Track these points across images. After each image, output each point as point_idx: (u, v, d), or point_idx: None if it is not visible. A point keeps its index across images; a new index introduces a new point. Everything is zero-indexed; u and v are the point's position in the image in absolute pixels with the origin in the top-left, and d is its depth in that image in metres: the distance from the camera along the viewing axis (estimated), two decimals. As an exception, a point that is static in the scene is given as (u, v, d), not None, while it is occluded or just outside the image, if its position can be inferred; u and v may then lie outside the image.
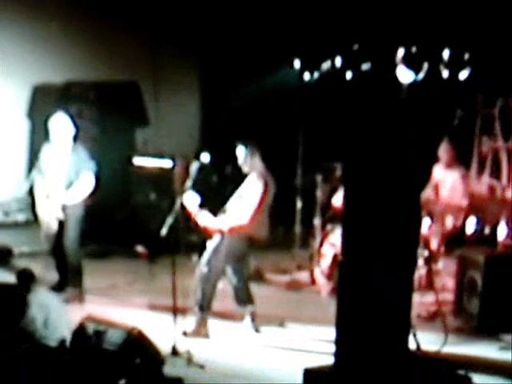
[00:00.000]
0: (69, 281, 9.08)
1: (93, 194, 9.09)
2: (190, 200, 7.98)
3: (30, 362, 6.48)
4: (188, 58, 13.21)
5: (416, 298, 7.52)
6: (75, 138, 9.10)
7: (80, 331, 6.89)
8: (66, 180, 8.94)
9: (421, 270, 8.92)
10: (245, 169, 8.16)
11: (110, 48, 12.39)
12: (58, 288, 9.05)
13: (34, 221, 10.38)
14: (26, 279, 7.33)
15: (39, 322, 6.95)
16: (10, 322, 7.00)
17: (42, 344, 6.85)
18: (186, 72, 13.30)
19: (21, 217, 11.84)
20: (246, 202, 7.94)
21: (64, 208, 8.94)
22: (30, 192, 9.38)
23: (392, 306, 6.43)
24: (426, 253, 9.08)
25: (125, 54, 12.53)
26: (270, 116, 12.08)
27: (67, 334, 6.93)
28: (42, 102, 12.06)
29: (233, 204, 8.09)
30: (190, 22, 12.67)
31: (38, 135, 11.15)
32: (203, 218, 8.02)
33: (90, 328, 6.85)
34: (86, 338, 6.80)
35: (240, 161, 8.17)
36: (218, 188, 10.57)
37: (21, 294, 7.13)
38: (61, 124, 9.00)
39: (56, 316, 7.07)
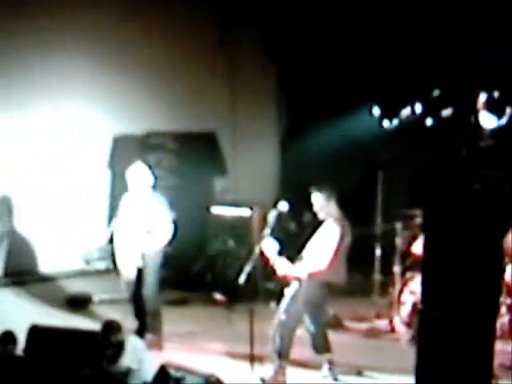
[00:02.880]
0: (148, 328, 9.12)
1: (171, 242, 9.16)
2: (269, 247, 7.97)
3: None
4: (266, 106, 13.32)
5: (499, 346, 7.34)
6: (154, 187, 9.20)
7: (160, 378, 6.93)
8: (145, 228, 9.00)
9: (504, 318, 8.72)
10: (321, 215, 8.13)
11: (190, 97, 12.58)
12: (137, 334, 9.09)
13: (113, 269, 10.48)
14: (113, 330, 7.41)
15: (134, 369, 7.03)
16: (97, 367, 7.09)
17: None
18: (264, 120, 13.41)
19: (101, 265, 12.06)
20: (322, 248, 7.90)
21: (143, 256, 9.02)
22: (111, 241, 9.49)
23: (474, 355, 6.29)
24: (509, 300, 8.88)
25: (204, 104, 12.71)
26: (349, 162, 12.06)
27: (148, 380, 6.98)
28: (123, 153, 12.31)
29: (310, 250, 8.07)
30: (268, 70, 12.81)
31: (119, 185, 11.35)
32: (281, 266, 8.00)
33: (169, 375, 6.91)
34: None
35: (315, 207, 8.16)
36: (296, 235, 10.55)
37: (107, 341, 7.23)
38: (139, 173, 9.11)
39: (146, 363, 7.14)
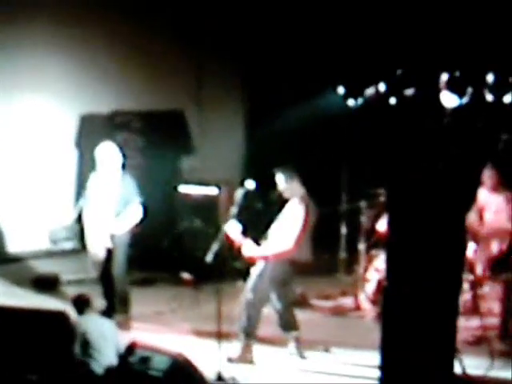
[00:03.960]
0: (116, 308, 9.14)
1: (140, 222, 9.19)
2: (233, 229, 8.04)
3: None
4: (233, 85, 13.32)
5: (461, 322, 7.48)
6: (123, 167, 9.21)
7: (126, 357, 6.98)
8: (114, 209, 9.03)
9: (466, 295, 8.85)
10: (285, 194, 8.21)
11: (155, 77, 12.55)
12: (105, 315, 9.11)
13: (81, 249, 10.50)
14: (82, 304, 7.45)
15: (92, 348, 7.05)
16: (60, 349, 7.10)
17: (90, 371, 6.95)
18: (231, 99, 13.41)
19: (68, 245, 12.00)
20: (287, 228, 7.98)
21: (112, 236, 9.04)
22: (78, 220, 9.49)
23: (437, 331, 6.41)
24: (471, 277, 9.02)
25: (170, 83, 12.67)
26: (314, 141, 12.13)
27: (114, 360, 7.02)
28: (90, 132, 12.24)
29: (275, 230, 8.14)
30: (235, 49, 12.81)
31: (86, 164, 11.36)
32: (246, 247, 8.08)
33: (136, 354, 6.96)
34: (132, 364, 6.89)
35: (280, 187, 8.23)
36: (263, 213, 10.60)
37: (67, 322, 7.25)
38: (108, 153, 9.10)
39: (107, 342, 7.17)
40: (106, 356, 7.04)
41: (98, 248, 9.12)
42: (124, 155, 9.26)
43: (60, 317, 7.60)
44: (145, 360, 6.83)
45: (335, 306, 10.06)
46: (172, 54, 12.68)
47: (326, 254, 11.42)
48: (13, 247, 11.91)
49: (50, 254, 11.90)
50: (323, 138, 11.98)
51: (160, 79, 12.60)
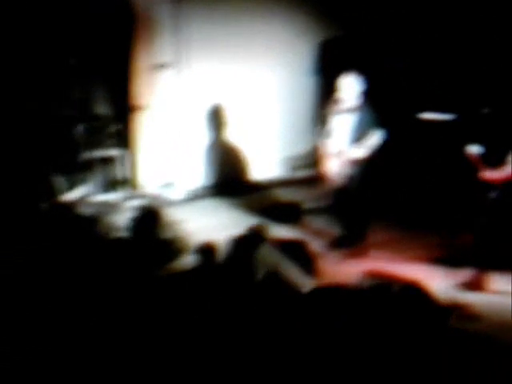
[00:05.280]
0: (352, 236, 9.06)
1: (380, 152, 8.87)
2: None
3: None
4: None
5: None
6: (364, 95, 8.88)
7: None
8: (353, 137, 8.84)
9: None
10: None
11: None
12: (340, 243, 9.10)
13: (318, 176, 10.38)
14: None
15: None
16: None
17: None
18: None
19: (306, 172, 11.98)
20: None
21: (352, 164, 8.85)
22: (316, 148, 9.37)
23: None
24: None
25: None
26: None
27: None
28: (327, 57, 12.17)
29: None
30: None
31: (323, 91, 11.24)
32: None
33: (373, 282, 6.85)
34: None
35: None
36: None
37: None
38: (348, 81, 8.85)
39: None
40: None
41: (336, 176, 8.96)
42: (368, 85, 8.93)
43: (300, 245, 7.85)
44: (380, 289, 6.68)
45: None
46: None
47: None
48: (254, 176, 12.14)
49: (288, 183, 12.01)
50: None
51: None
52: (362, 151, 8.79)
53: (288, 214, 10.33)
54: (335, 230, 9.22)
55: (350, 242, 9.04)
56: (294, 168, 12.32)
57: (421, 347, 6.18)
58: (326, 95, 9.50)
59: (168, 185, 11.45)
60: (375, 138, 8.81)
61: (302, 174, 12.17)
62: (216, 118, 11.72)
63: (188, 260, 7.77)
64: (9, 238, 7.93)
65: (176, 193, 11.38)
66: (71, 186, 10.72)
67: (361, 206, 9.01)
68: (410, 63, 11.32)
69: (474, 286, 7.86)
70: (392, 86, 11.23)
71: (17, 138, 10.13)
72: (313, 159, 11.06)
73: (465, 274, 7.92)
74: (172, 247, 8.14)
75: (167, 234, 8.33)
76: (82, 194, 10.72)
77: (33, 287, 6.89)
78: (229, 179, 11.88)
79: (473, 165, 7.94)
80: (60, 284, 6.94)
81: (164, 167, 11.46)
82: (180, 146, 11.51)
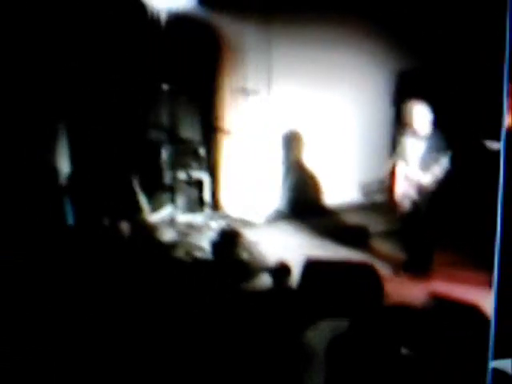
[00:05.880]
0: (416, 262, 9.31)
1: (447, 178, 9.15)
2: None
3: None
4: None
5: None
6: (434, 123, 9.21)
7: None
8: (423, 163, 9.18)
9: None
10: None
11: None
12: (404, 268, 9.36)
13: (388, 202, 10.64)
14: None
15: None
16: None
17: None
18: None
19: (379, 197, 12.19)
20: None
21: (420, 189, 9.18)
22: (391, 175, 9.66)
23: None
24: None
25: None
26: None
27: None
28: (404, 90, 12.29)
29: None
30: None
31: (397, 119, 11.39)
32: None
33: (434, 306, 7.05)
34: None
35: None
36: None
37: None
38: (418, 109, 9.20)
39: None
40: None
41: (405, 200, 9.28)
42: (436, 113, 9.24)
43: (369, 267, 8.05)
44: (446, 310, 6.91)
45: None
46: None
47: None
48: (326, 200, 12.39)
49: (360, 208, 12.24)
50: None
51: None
52: (430, 177, 9.13)
53: (357, 236, 10.60)
54: (402, 254, 9.45)
55: (416, 266, 9.27)
56: (368, 193, 12.56)
57: (480, 371, 6.38)
58: (400, 124, 9.80)
59: (249, 207, 11.78)
60: (444, 164, 9.10)
61: (374, 198, 12.37)
62: (294, 143, 12.05)
63: (263, 280, 8.10)
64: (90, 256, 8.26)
65: (256, 215, 11.69)
66: (156, 206, 11.15)
67: (428, 231, 9.24)
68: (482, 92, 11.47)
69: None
70: (462, 114, 11.42)
71: (108, 157, 10.63)
72: (386, 185, 11.35)
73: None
74: (249, 267, 8.50)
75: (246, 255, 8.71)
76: (165, 214, 11.12)
77: (114, 313, 7.10)
78: (304, 203, 12.15)
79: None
80: (139, 305, 7.20)
81: (245, 190, 11.81)
82: (261, 170, 11.86)
